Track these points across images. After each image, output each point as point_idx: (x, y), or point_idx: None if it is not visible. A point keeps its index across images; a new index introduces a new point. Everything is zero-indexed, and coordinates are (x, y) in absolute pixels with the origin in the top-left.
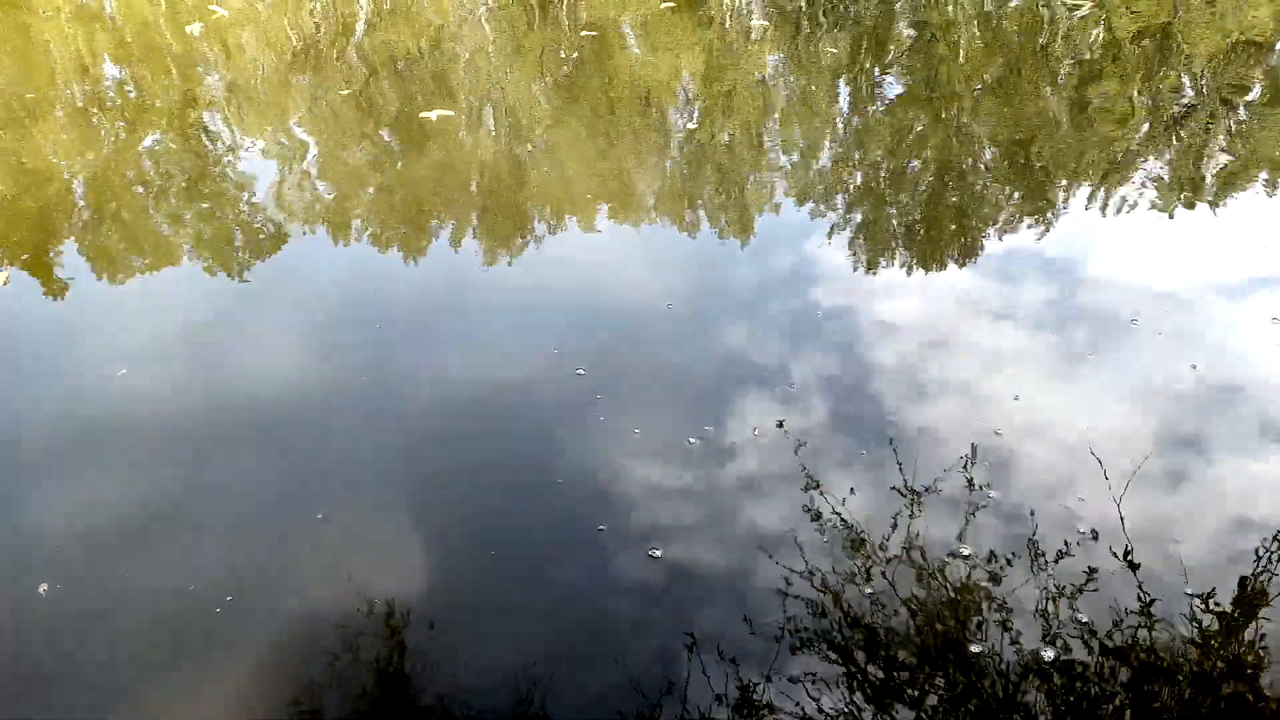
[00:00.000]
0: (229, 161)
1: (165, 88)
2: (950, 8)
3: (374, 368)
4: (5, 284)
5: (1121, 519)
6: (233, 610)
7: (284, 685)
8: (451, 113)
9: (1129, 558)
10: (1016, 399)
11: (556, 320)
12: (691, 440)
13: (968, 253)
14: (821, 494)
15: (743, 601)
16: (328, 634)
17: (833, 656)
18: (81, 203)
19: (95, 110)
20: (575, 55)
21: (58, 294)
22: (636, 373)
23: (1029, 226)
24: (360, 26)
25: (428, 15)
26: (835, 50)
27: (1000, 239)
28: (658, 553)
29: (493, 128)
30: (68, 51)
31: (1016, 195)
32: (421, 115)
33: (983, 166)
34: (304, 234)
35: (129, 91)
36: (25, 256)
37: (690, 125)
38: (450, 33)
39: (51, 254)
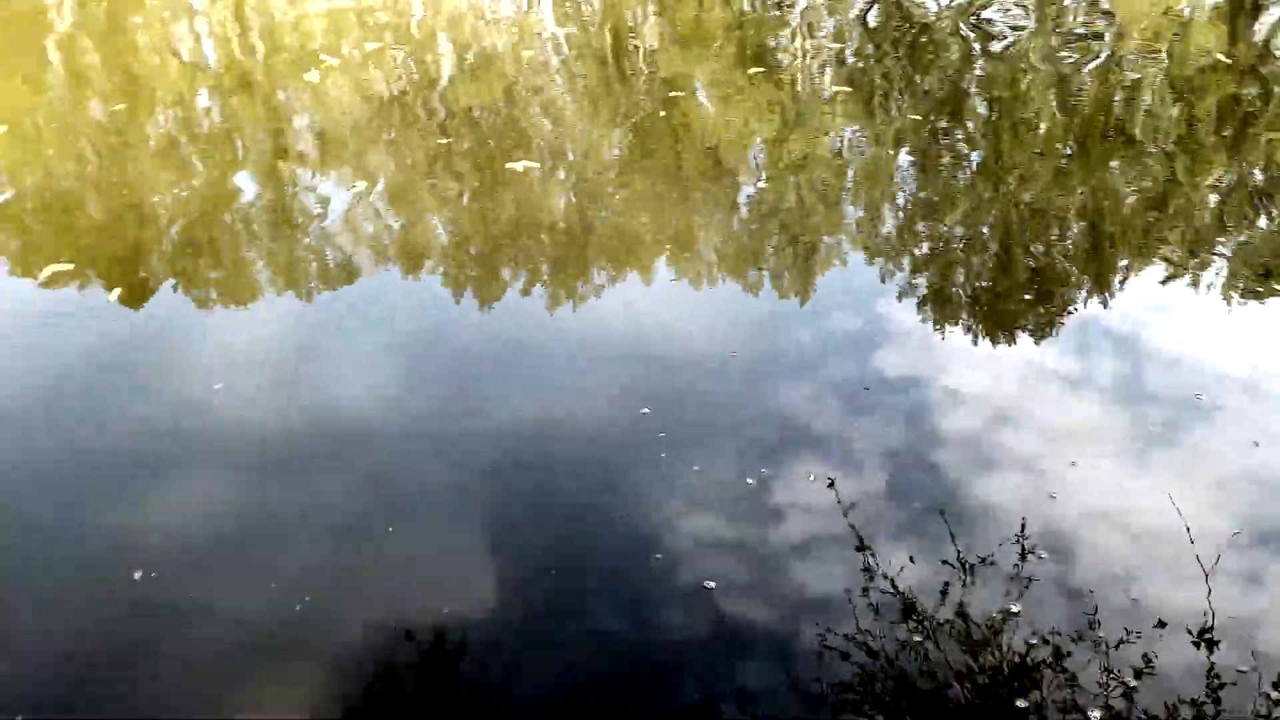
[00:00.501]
0: (321, 200)
1: (274, 130)
2: (1025, 79)
3: (448, 397)
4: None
5: (1192, 606)
6: (308, 610)
7: (343, 681)
8: (536, 165)
9: (1199, 646)
10: (1074, 464)
11: (624, 363)
12: (749, 480)
13: (1037, 325)
14: (872, 555)
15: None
16: (389, 638)
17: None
18: (175, 233)
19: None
20: (650, 112)
21: (158, 315)
22: (699, 417)
23: (1101, 300)
24: (444, 81)
25: (508, 71)
26: (909, 118)
27: (1072, 312)
28: (710, 585)
29: (571, 179)
30: (174, 86)
31: (1089, 269)
32: (509, 166)
33: (1055, 238)
34: (385, 271)
35: (250, 131)
36: (124, 284)
37: (760, 185)
38: (530, 87)
39: (150, 279)
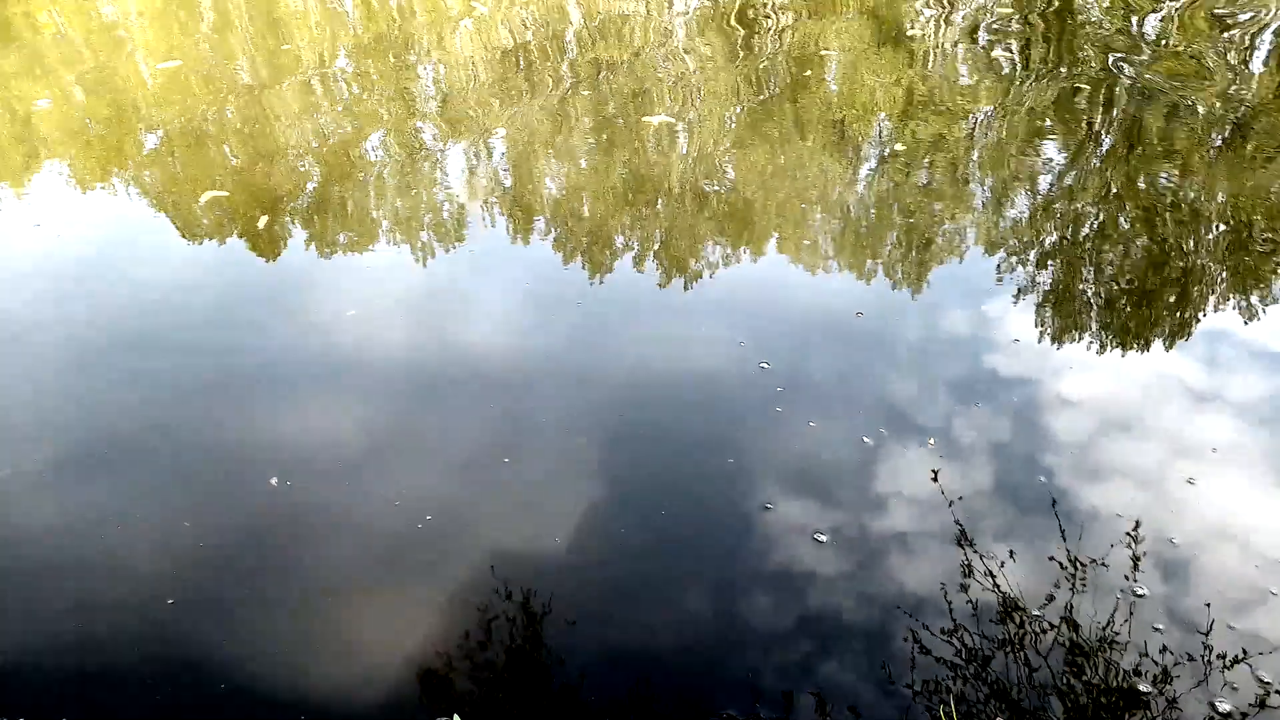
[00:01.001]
0: (453, 149)
1: (413, 78)
2: (1182, 61)
3: (573, 341)
4: (264, 227)
5: None
6: (429, 528)
7: (453, 599)
8: (672, 120)
9: None
10: (1191, 483)
11: (744, 319)
12: (866, 439)
13: (1169, 332)
14: (973, 549)
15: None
16: (501, 561)
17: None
18: (325, 166)
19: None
20: (778, 81)
21: (299, 245)
22: (818, 376)
23: (1244, 309)
24: (571, 38)
25: (635, 34)
26: (1044, 100)
27: (1208, 321)
28: (823, 538)
29: (703, 138)
30: (318, 38)
31: (1234, 275)
32: (644, 119)
33: (1200, 240)
34: (521, 214)
35: (402, 75)
36: (265, 217)
37: (884, 162)
38: (666, 49)
39: (298, 210)
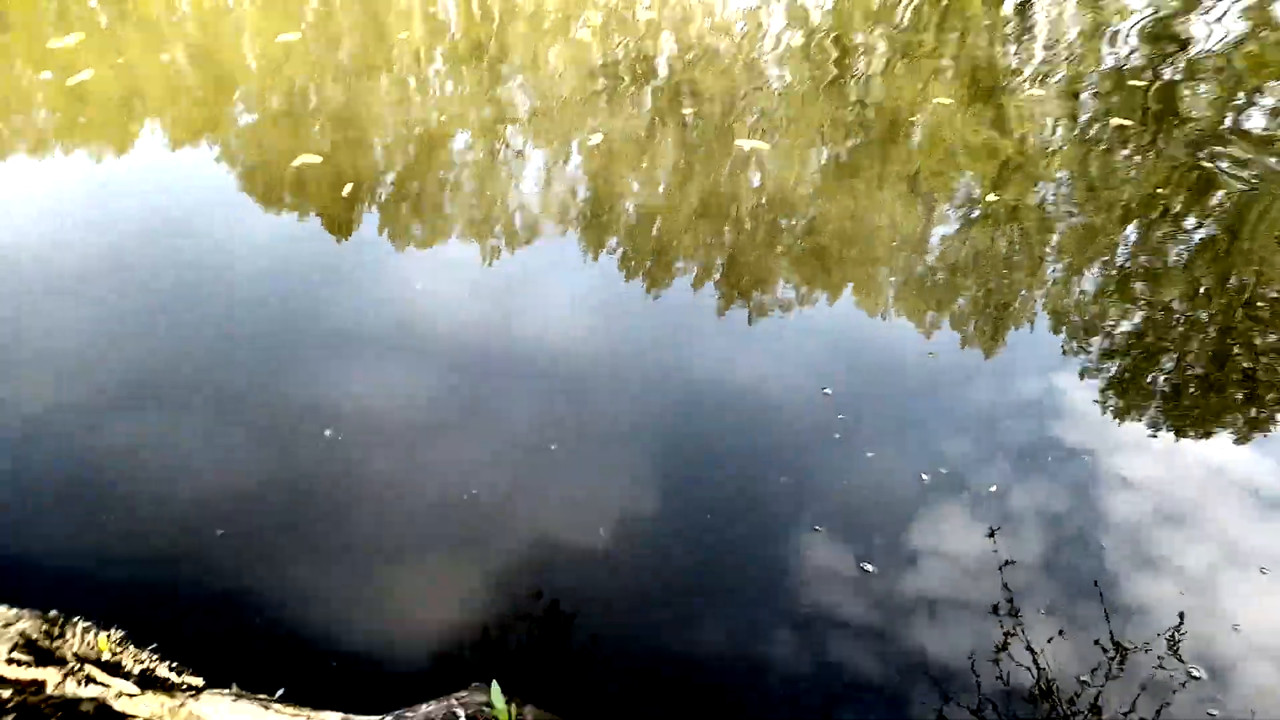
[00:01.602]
0: (539, 153)
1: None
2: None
3: (640, 349)
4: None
5: None
6: (473, 502)
7: (490, 573)
8: (765, 145)
9: None
10: (1256, 578)
11: (809, 347)
12: (924, 476)
13: (1236, 425)
14: (1017, 624)
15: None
16: (542, 545)
17: None
18: (414, 150)
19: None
20: (861, 126)
21: (375, 221)
22: (880, 408)
23: None
24: (667, 61)
25: (734, 63)
26: (1141, 178)
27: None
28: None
29: (794, 167)
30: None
31: None
32: (738, 142)
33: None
34: (596, 225)
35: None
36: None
37: (965, 225)
38: (757, 79)
39: (383, 188)
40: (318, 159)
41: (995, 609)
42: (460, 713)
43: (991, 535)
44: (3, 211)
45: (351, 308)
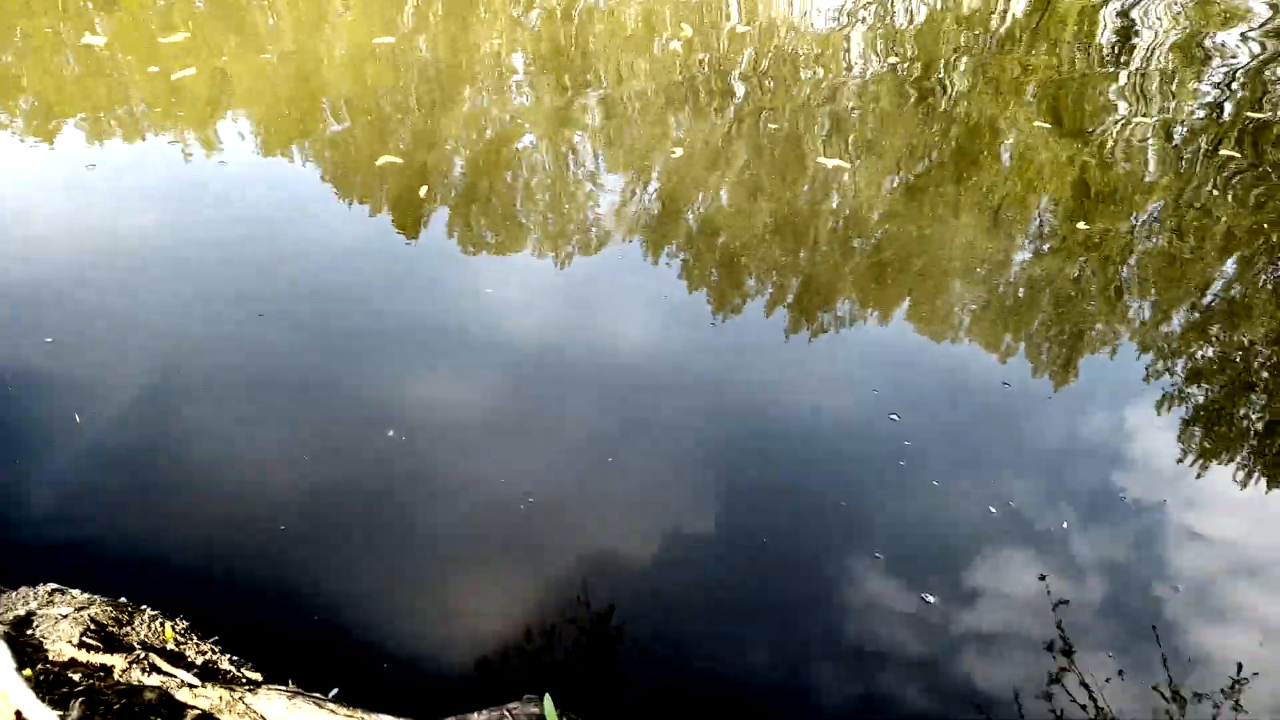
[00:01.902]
0: (617, 162)
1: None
2: None
3: (707, 366)
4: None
5: None
6: (531, 508)
7: (542, 581)
8: (846, 165)
9: None
10: None
11: (883, 370)
12: (992, 509)
13: None
14: (1072, 660)
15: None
16: (598, 554)
17: None
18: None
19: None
20: (944, 148)
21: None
22: (946, 435)
23: None
24: (754, 74)
25: (814, 81)
26: (1231, 214)
27: None
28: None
29: (866, 189)
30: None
31: None
32: (818, 160)
33: None
34: (670, 237)
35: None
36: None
37: (1044, 250)
38: (843, 98)
39: (458, 189)
40: (399, 160)
41: (1051, 647)
42: None
43: (1055, 575)
44: (98, 198)
45: (420, 307)
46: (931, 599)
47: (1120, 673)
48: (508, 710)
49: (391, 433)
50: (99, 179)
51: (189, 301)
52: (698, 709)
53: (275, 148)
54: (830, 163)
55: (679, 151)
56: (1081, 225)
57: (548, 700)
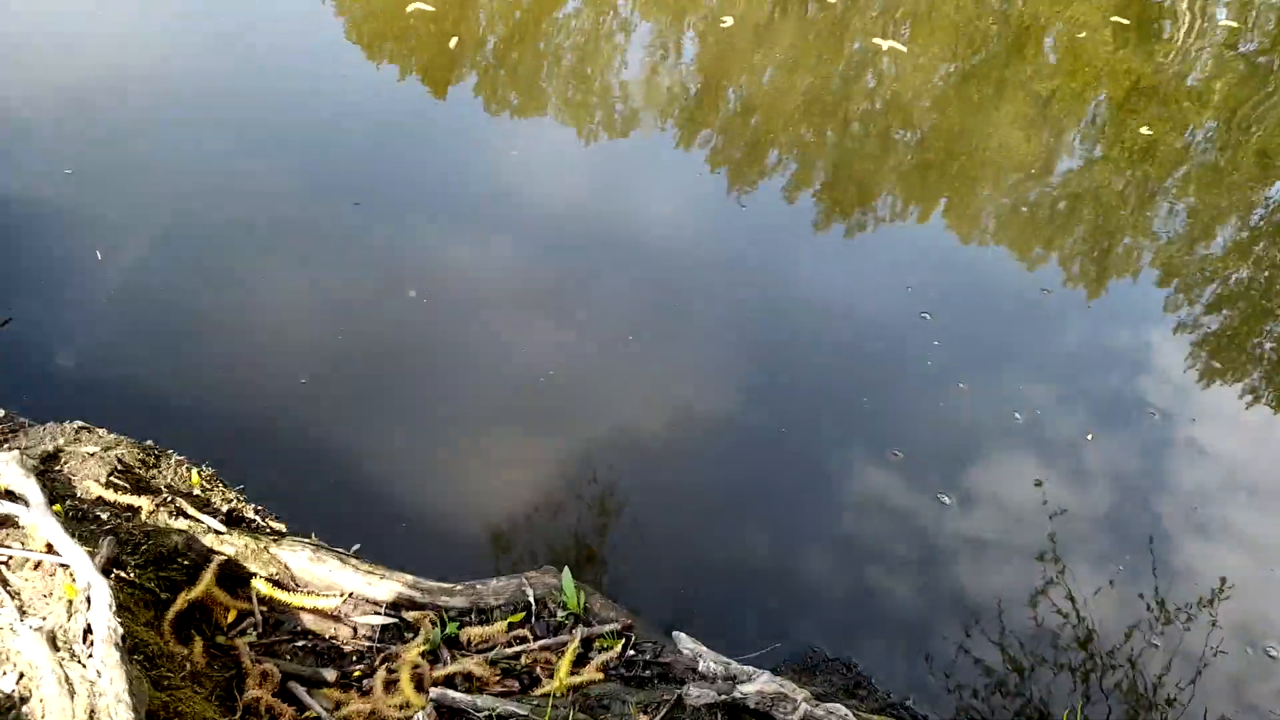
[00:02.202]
0: (661, 31)
1: None
2: None
3: (736, 246)
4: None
5: None
6: (550, 380)
7: (563, 451)
8: (902, 46)
9: None
10: None
11: (915, 269)
12: (1017, 416)
13: None
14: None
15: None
16: (614, 434)
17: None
18: (500, 25)
19: None
20: (997, 40)
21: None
22: (972, 335)
23: None
24: None
25: None
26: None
27: None
28: (945, 500)
29: (917, 75)
30: None
31: None
32: (874, 40)
33: None
34: (708, 116)
35: None
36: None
37: (1093, 155)
38: None
39: (491, 40)
40: (429, 7)
41: (1043, 556)
42: (529, 591)
43: (1066, 482)
44: (128, 35)
45: (446, 165)
46: (947, 499)
47: (1111, 582)
48: (526, 578)
49: (413, 293)
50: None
51: (210, 144)
52: (704, 589)
53: None
54: (886, 44)
55: (728, 21)
56: (1125, 134)
57: (566, 574)
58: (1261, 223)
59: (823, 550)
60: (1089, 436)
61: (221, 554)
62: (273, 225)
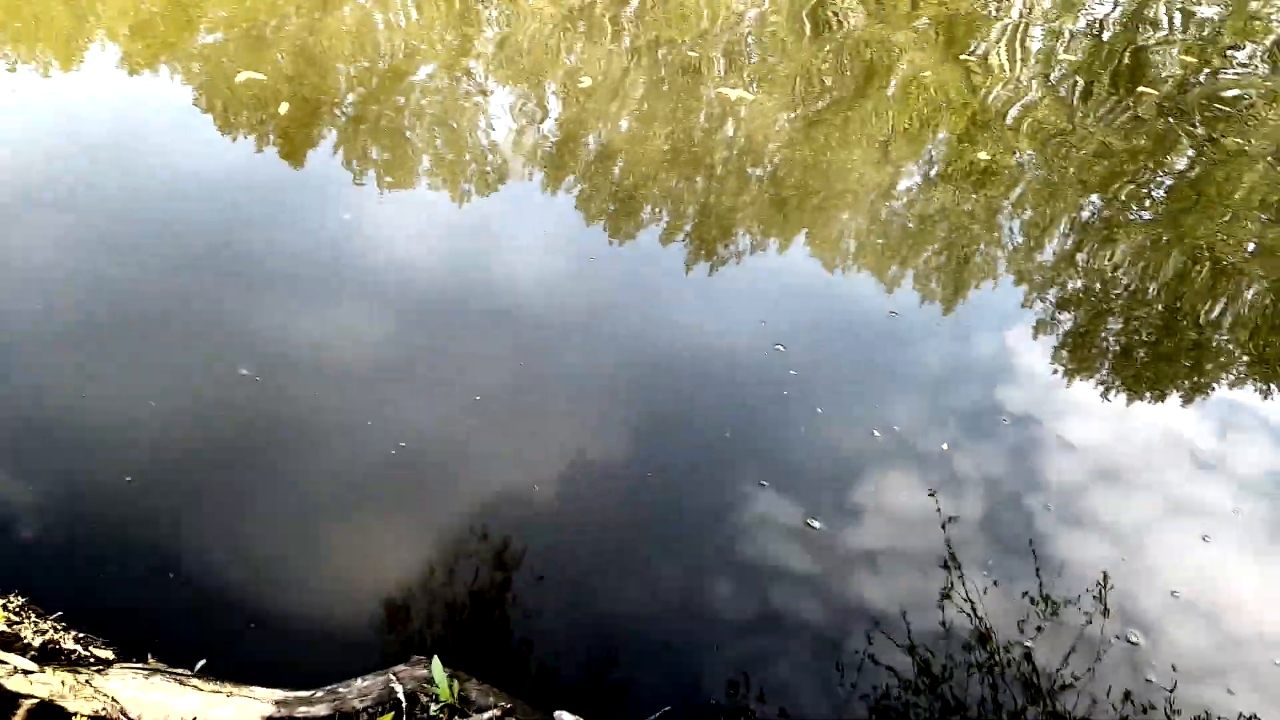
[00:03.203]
0: (506, 95)
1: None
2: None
3: (593, 297)
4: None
5: None
6: (403, 453)
7: (418, 532)
8: (750, 95)
9: None
10: (1206, 539)
11: (775, 303)
12: (876, 434)
13: (1187, 388)
14: (955, 570)
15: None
16: (473, 494)
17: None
18: (348, 93)
19: None
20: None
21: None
22: (827, 362)
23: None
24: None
25: (712, 15)
26: (1104, 140)
27: (1233, 382)
28: (815, 524)
29: (765, 120)
30: None
31: (1261, 341)
32: (722, 90)
33: (1233, 300)
34: (562, 169)
35: None
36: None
37: (941, 177)
38: (734, 29)
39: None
40: (261, 76)
41: (938, 563)
42: (398, 687)
43: (933, 492)
44: None
45: (278, 232)
46: (816, 524)
47: (995, 583)
48: (394, 673)
49: (245, 371)
50: None
51: (19, 230)
52: (587, 655)
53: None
54: (734, 93)
55: (584, 82)
56: (959, 161)
57: (436, 662)
58: (1100, 228)
59: (703, 593)
60: (944, 448)
61: (33, 697)
62: (84, 313)
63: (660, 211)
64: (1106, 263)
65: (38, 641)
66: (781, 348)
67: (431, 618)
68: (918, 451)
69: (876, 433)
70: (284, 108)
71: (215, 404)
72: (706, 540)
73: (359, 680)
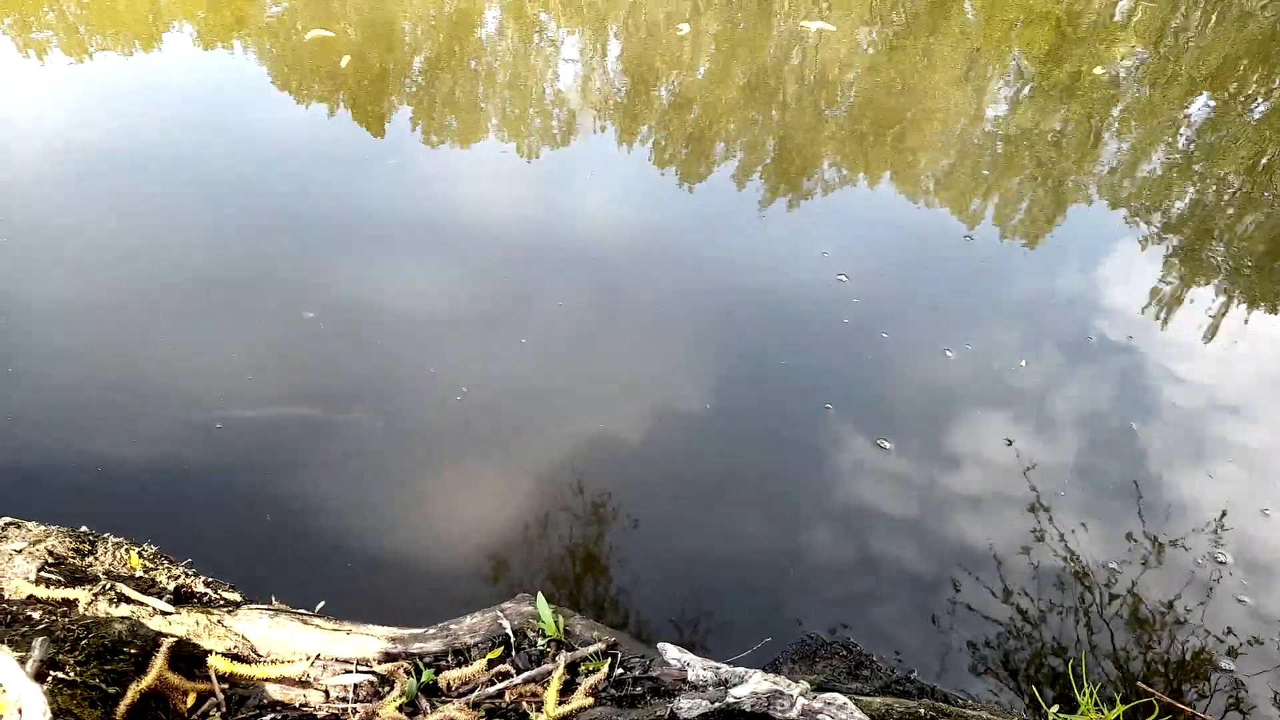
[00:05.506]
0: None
1: None
2: None
3: (664, 227)
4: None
5: None
6: (494, 396)
7: (517, 465)
8: (832, 26)
9: None
10: None
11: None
12: (949, 353)
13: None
14: (1043, 508)
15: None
16: (561, 435)
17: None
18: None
19: None
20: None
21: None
22: (887, 289)
23: None
24: None
25: None
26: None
27: None
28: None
29: (848, 49)
30: None
31: None
32: (803, 23)
33: None
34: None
35: None
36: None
37: (1022, 99)
38: None
39: (396, 56)
40: (330, 34)
41: (1011, 495)
42: (506, 624)
43: (998, 419)
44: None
45: (357, 184)
46: (887, 444)
47: (1084, 525)
48: (500, 610)
49: (309, 314)
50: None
51: (112, 201)
52: (686, 591)
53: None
54: (815, 25)
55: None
56: (1044, 83)
57: (540, 599)
58: (1194, 152)
59: (793, 528)
60: (1022, 364)
61: (171, 636)
62: (174, 284)
63: (744, 150)
64: (1204, 182)
65: (171, 586)
66: (843, 277)
67: (535, 559)
68: (994, 368)
69: (949, 352)
70: (345, 60)
71: (310, 362)
72: (787, 475)
73: (468, 618)
